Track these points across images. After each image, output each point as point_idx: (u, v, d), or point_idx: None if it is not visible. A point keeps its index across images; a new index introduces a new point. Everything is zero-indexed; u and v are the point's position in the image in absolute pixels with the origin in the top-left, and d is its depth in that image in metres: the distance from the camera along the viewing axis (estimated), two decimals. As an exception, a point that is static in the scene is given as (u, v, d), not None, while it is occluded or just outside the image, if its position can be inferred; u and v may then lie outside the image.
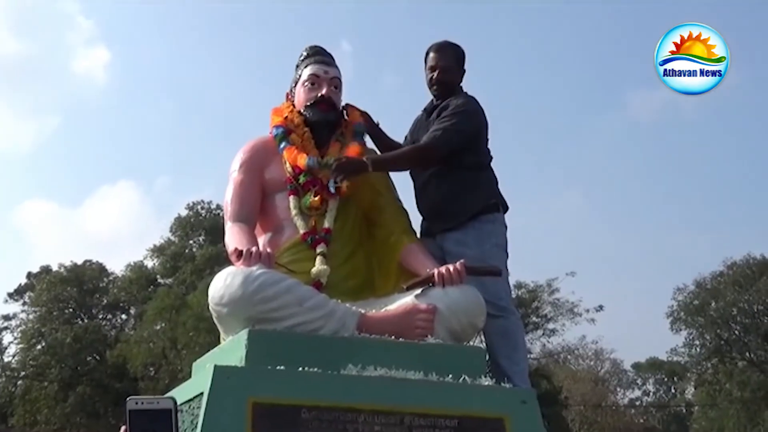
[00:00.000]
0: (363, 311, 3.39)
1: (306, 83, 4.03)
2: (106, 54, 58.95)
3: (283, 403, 2.84)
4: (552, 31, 61.60)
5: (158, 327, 26.08)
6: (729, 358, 32.46)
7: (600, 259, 59.13)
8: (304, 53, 4.15)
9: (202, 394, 2.86)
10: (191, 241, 30.97)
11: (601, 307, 29.04)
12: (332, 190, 3.81)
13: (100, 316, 31.87)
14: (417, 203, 4.11)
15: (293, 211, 3.83)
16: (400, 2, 63.31)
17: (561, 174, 59.40)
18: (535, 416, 3.14)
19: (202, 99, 57.59)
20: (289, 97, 4.15)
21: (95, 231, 52.44)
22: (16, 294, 32.07)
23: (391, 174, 4.14)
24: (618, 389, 44.79)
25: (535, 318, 28.82)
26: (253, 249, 3.38)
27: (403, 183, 4.16)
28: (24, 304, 31.95)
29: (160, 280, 30.60)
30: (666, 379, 45.87)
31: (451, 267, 3.48)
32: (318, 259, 3.69)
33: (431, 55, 4.16)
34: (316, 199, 3.81)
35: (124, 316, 32.25)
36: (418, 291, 3.47)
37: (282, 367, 2.93)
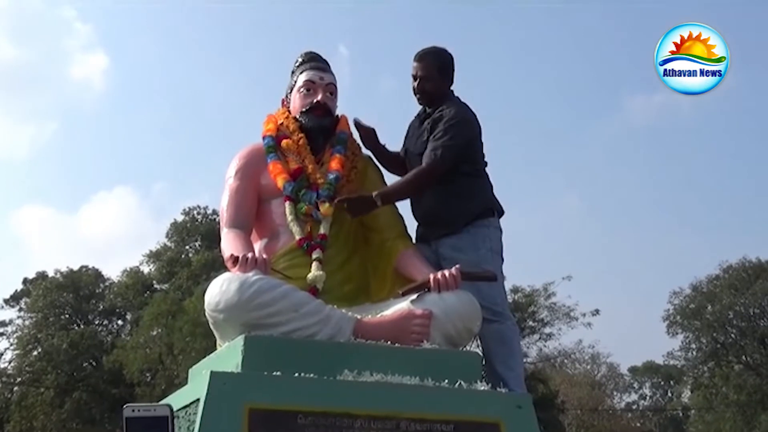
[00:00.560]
0: (359, 317, 3.40)
1: (301, 89, 4.04)
2: (103, 59, 58.91)
3: (280, 408, 2.85)
4: (550, 34, 61.81)
5: (154, 332, 26.03)
6: (725, 362, 32.48)
7: (596, 263, 59.24)
8: (300, 59, 4.16)
9: (198, 400, 2.86)
10: (187, 247, 30.92)
11: (597, 311, 29.05)
12: (317, 216, 3.81)
13: (97, 322, 31.78)
14: (412, 209, 4.11)
15: (289, 217, 3.83)
16: (397, 7, 63.41)
17: (558, 178, 59.48)
18: (531, 421, 3.16)
19: (199, 105, 57.62)
20: (285, 103, 4.16)
21: (92, 236, 52.37)
22: (12, 300, 31.97)
23: (386, 177, 4.17)
24: (614, 393, 44.80)
25: (531, 322, 28.82)
26: (249, 255, 3.39)
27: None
28: (20, 310, 31.84)
29: (156, 286, 30.53)
30: (662, 383, 45.90)
31: (446, 272, 3.49)
32: (314, 264, 3.70)
33: (413, 63, 4.13)
34: (311, 206, 3.82)
35: (120, 322, 32.17)
36: (414, 296, 3.49)
37: (278, 373, 2.94)
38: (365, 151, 4.19)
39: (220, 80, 58.55)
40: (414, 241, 4.04)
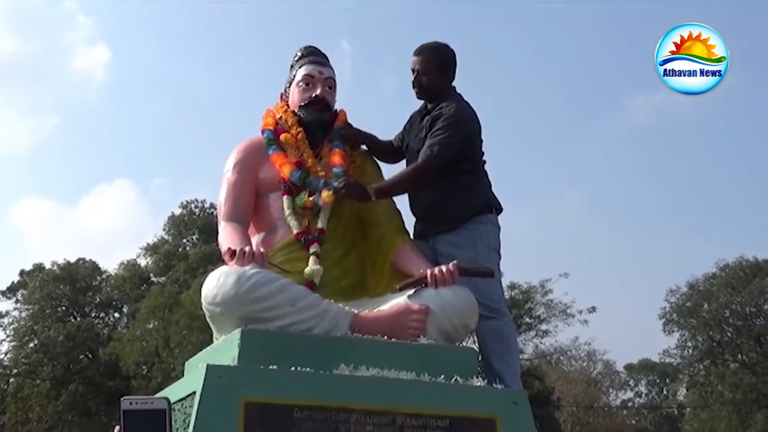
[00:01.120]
0: (356, 311, 3.40)
1: (300, 83, 4.04)
2: (105, 53, 58.88)
3: (276, 402, 2.85)
4: (551, 33, 61.68)
5: (151, 325, 26.02)
6: (721, 360, 32.53)
7: (593, 261, 59.24)
8: (299, 54, 4.15)
9: (194, 393, 2.87)
10: (185, 240, 30.91)
11: (594, 309, 29.05)
12: (318, 202, 3.81)
13: (93, 315, 31.78)
14: (410, 205, 4.11)
15: (287, 211, 3.83)
16: (400, 2, 63.28)
17: (557, 176, 59.48)
18: (526, 417, 3.16)
19: (201, 99, 57.51)
20: (284, 97, 4.15)
21: (92, 229, 52.37)
22: (9, 291, 31.96)
23: (384, 172, 4.17)
24: (610, 390, 44.90)
25: (528, 319, 28.82)
26: (247, 248, 3.39)
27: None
28: (17, 301, 31.86)
29: (153, 279, 30.52)
30: (658, 381, 45.98)
31: (443, 268, 3.49)
32: (311, 259, 3.70)
33: (412, 58, 4.11)
34: (310, 199, 3.82)
35: (117, 315, 32.17)
36: (411, 291, 3.49)
37: (275, 367, 2.94)
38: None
39: (222, 76, 58.57)
40: (412, 236, 4.04)
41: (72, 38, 55.87)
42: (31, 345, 29.70)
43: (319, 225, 3.80)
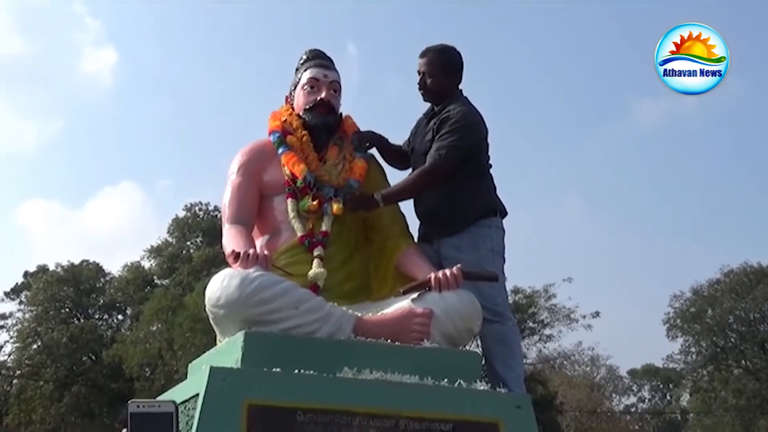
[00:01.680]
0: (359, 314, 3.40)
1: (305, 86, 4.03)
2: (113, 55, 59.05)
3: (279, 405, 2.84)
4: (554, 36, 61.77)
5: (154, 328, 26.03)
6: (725, 366, 32.48)
7: (597, 266, 59.22)
8: (304, 57, 4.15)
9: (197, 395, 2.86)
10: (188, 242, 30.95)
11: (597, 314, 29.04)
12: (328, 212, 3.82)
13: (97, 316, 31.81)
14: (415, 208, 4.11)
15: (291, 214, 3.83)
16: (406, 5, 63.34)
17: (561, 180, 59.46)
18: (529, 421, 3.15)
19: (207, 102, 57.60)
20: (289, 100, 4.15)
21: (97, 231, 52.44)
22: (13, 293, 32.01)
23: (389, 175, 4.16)
24: (613, 395, 44.84)
25: (531, 323, 28.81)
26: (251, 251, 3.39)
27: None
28: (20, 303, 31.90)
29: (157, 281, 30.57)
30: (661, 386, 45.92)
31: (447, 271, 3.49)
32: (315, 262, 3.70)
33: (418, 60, 4.12)
34: (314, 202, 3.82)
35: (120, 317, 32.19)
36: (415, 295, 3.48)
37: (278, 370, 2.94)
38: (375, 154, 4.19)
39: (228, 79, 58.61)
40: (416, 240, 4.04)
41: (80, 40, 56.04)
42: (35, 346, 29.71)
43: (323, 228, 3.80)
